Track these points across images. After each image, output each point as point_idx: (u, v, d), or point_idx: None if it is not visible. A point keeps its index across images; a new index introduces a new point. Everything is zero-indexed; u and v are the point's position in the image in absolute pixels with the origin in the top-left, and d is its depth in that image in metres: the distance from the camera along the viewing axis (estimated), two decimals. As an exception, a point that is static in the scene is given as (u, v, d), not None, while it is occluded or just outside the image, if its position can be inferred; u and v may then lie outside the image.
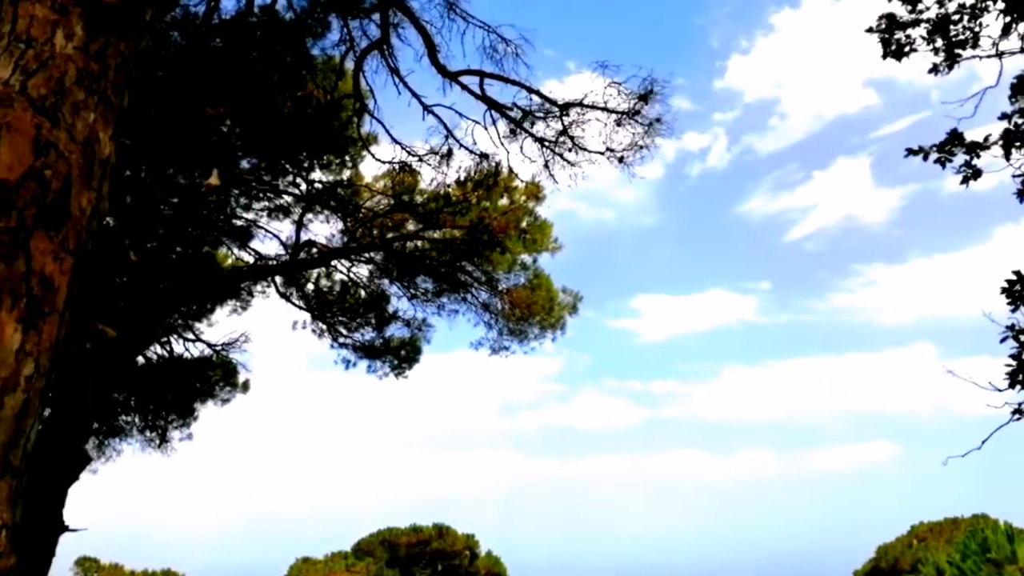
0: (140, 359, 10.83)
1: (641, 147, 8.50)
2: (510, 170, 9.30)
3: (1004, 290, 5.63)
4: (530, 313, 10.97)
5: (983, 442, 5.40)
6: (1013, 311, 5.55)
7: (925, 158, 6.16)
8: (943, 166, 6.09)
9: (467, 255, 10.80)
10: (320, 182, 10.96)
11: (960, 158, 6.04)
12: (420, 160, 9.26)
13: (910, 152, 6.24)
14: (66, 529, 7.49)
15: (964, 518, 18.94)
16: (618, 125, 8.43)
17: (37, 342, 1.94)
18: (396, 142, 9.20)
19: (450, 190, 9.96)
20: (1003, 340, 5.54)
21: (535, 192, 10.52)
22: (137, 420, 11.80)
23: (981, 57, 6.01)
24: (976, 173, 6.06)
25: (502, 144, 8.78)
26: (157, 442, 11.78)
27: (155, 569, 20.83)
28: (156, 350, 11.27)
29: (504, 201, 10.57)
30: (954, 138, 6.01)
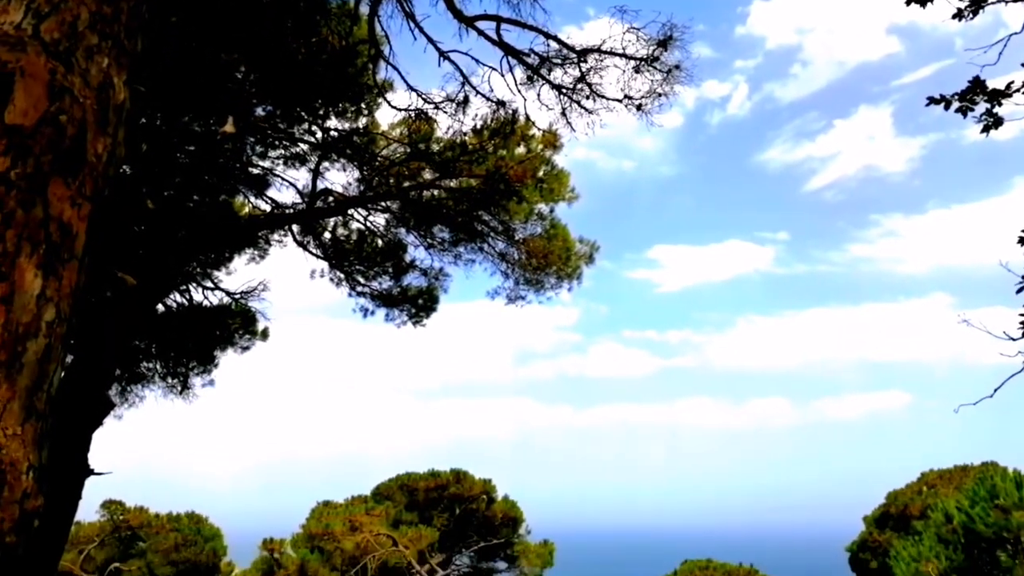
0: (160, 307, 10.96)
1: (660, 95, 8.36)
2: (527, 118, 9.19)
3: (1021, 240, 5.57)
4: (547, 263, 10.97)
5: (995, 390, 5.39)
6: (1031, 261, 5.49)
7: (947, 107, 6.03)
8: (964, 115, 5.97)
9: (484, 204, 10.77)
10: (336, 130, 10.91)
11: (982, 106, 5.92)
12: (436, 108, 9.17)
13: (931, 101, 6.10)
14: (91, 472, 7.67)
15: (974, 466, 19.01)
16: (636, 72, 8.29)
17: (57, 288, 1.97)
18: (412, 89, 9.11)
19: (466, 138, 9.88)
20: (1019, 291, 5.49)
21: (552, 141, 10.42)
22: (159, 367, 11.99)
23: (1007, 1, 5.83)
24: (997, 121, 5.93)
25: (519, 91, 8.67)
26: (179, 388, 11.98)
27: (179, 512, 21.37)
28: (175, 298, 11.40)
29: (521, 150, 10.49)
30: (976, 86, 5.87)
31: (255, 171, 11.15)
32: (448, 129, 9.63)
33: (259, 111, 10.38)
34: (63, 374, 2.17)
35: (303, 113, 10.56)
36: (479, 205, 10.81)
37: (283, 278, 12.80)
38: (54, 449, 2.02)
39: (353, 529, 18.50)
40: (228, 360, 12.47)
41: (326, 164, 11.06)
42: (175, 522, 20.60)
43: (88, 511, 20.81)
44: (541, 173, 10.44)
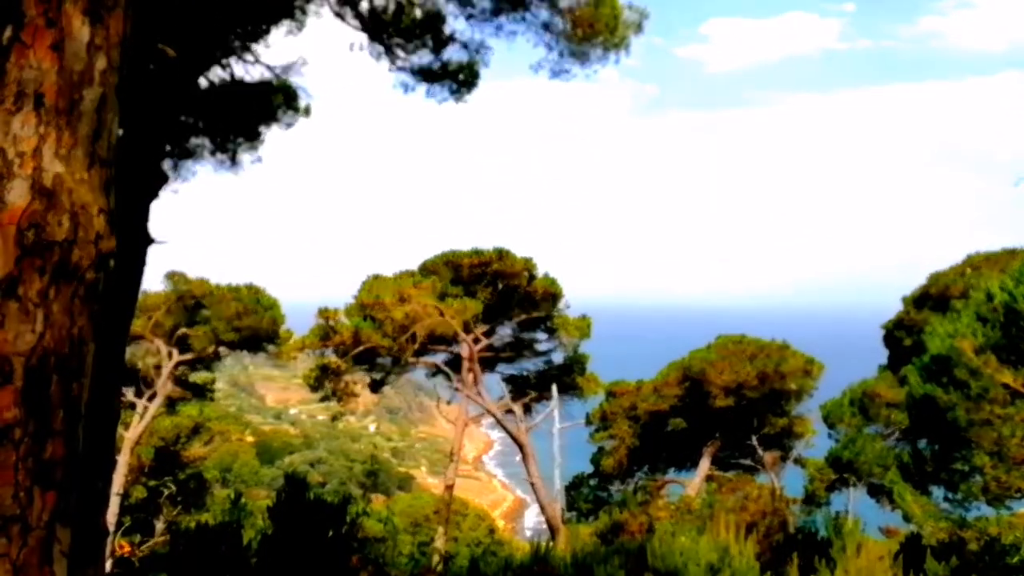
0: (203, 82, 10.89)
1: None
2: None
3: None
4: (593, 32, 10.47)
5: (1055, 160, 5.23)
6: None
7: None
8: None
9: (527, -32, 10.17)
10: None
11: None
12: None
13: None
14: (152, 241, 8.03)
15: (1022, 248, 18.78)
16: None
17: (105, 36, 1.99)
18: None
19: None
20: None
21: None
22: (207, 142, 12.12)
23: None
24: None
25: None
26: (228, 164, 12.16)
27: (238, 283, 22.51)
28: (218, 73, 11.28)
29: (566, -95, 9.70)
30: None
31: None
32: None
33: None
34: (118, 138, 2.23)
35: None
36: (522, -31, 10.20)
37: (324, 55, 12.53)
38: (117, 218, 2.12)
39: (402, 300, 19.43)
40: (274, 136, 12.52)
41: (360, -75, 10.42)
42: (235, 292, 21.78)
43: (152, 281, 22.08)
44: (588, -68, 9.71)
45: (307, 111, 12.87)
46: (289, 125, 12.79)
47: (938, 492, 11.11)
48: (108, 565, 17.73)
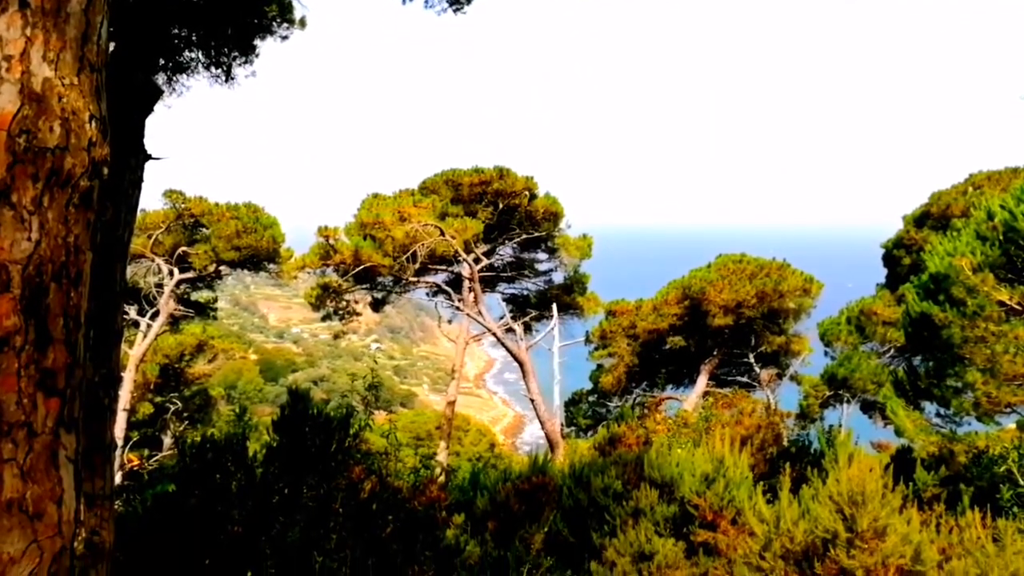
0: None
1: None
2: None
3: None
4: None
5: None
6: None
7: None
8: None
9: None
10: None
11: None
12: None
13: None
14: (149, 157, 7.93)
15: (1025, 167, 18.61)
16: None
17: (89, -66, 1.92)
18: None
19: None
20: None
21: None
22: (201, 56, 11.88)
23: None
24: None
25: None
26: (223, 78, 11.95)
27: (237, 202, 22.39)
28: (209, -17, 10.96)
29: None
30: None
31: None
32: None
33: None
34: (107, 52, 2.17)
35: None
36: None
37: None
38: (110, 127, 2.09)
39: (402, 220, 19.34)
40: (270, 50, 12.28)
41: None
42: (234, 211, 21.67)
43: (150, 200, 21.98)
44: None
45: (302, 23, 12.54)
46: (284, 37, 12.47)
47: (930, 408, 11.28)
48: (118, 478, 18.21)
